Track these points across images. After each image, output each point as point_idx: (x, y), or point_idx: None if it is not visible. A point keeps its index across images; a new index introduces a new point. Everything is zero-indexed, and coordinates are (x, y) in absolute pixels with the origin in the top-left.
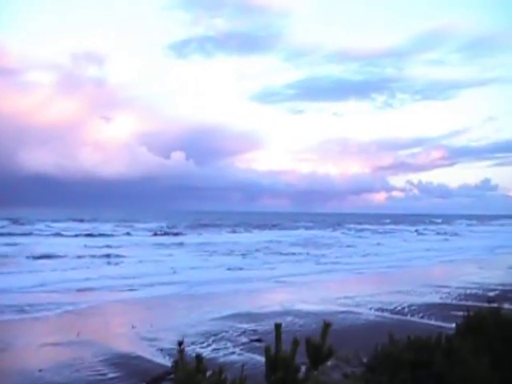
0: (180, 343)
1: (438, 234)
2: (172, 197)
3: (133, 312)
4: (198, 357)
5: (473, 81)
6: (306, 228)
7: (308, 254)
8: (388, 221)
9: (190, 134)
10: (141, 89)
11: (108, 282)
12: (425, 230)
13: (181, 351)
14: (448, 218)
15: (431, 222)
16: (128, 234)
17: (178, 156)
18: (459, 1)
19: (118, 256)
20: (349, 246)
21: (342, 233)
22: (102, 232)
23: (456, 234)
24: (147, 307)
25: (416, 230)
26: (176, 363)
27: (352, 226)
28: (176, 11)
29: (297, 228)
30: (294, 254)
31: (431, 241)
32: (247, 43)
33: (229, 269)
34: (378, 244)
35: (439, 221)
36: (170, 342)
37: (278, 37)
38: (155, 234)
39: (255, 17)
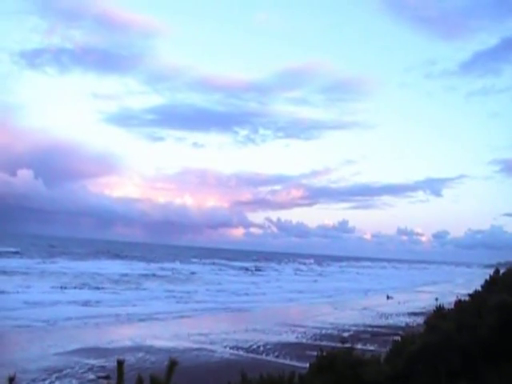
0: (11, 380)
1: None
2: (16, 219)
3: None
4: None
5: (334, 123)
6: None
7: (166, 290)
8: (255, 257)
9: (40, 151)
10: None
11: None
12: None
13: None
14: (316, 258)
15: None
16: None
17: (25, 174)
18: (325, 43)
19: None
20: (219, 284)
21: (211, 268)
22: None
23: (327, 275)
24: None
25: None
26: None
27: (217, 260)
28: (30, 16)
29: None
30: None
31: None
32: (106, 60)
33: (84, 304)
34: (253, 283)
35: (311, 261)
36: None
37: (139, 57)
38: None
39: (116, 33)
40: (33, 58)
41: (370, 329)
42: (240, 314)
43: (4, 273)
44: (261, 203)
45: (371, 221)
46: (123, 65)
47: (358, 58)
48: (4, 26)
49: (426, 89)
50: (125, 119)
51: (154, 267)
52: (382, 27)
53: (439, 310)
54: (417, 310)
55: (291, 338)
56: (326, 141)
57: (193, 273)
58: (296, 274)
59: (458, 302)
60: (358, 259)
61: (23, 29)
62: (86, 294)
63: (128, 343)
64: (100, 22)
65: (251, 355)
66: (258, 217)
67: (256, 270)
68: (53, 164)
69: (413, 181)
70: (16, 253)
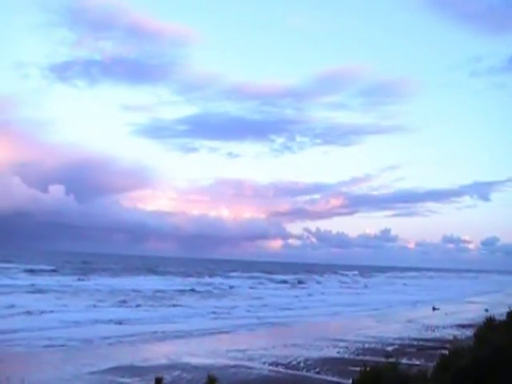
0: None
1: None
2: (48, 235)
3: None
4: None
5: (374, 127)
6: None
7: (205, 306)
8: (295, 270)
9: (71, 165)
10: (16, 112)
11: None
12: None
13: None
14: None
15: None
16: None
17: (56, 190)
18: (363, 44)
19: None
20: (260, 298)
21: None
22: None
23: (373, 287)
24: (7, 360)
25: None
26: None
27: (255, 274)
28: (58, 29)
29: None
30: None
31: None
32: (136, 71)
33: (119, 321)
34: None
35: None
36: None
37: (171, 67)
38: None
39: (146, 43)
40: (62, 72)
41: (415, 342)
42: (280, 328)
43: (41, 291)
44: (299, 213)
45: (415, 229)
46: (154, 75)
47: (398, 58)
48: (33, 39)
49: (471, 87)
50: (156, 130)
51: (191, 282)
52: (422, 25)
53: (490, 322)
54: (465, 322)
55: (333, 352)
56: (366, 146)
57: (232, 287)
58: (341, 286)
59: (511, 314)
60: (402, 269)
61: (52, 42)
62: (121, 312)
63: (163, 361)
64: (129, 31)
65: (291, 371)
66: (296, 227)
67: (298, 282)
68: (84, 179)
69: (458, 185)
70: (52, 270)
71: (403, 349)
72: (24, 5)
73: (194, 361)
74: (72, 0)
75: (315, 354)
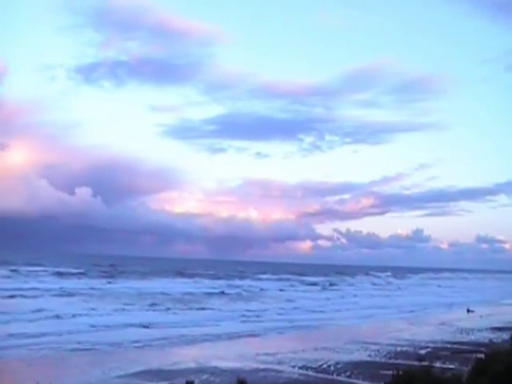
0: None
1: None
2: (75, 238)
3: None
4: None
5: (405, 125)
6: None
7: (234, 309)
8: (325, 271)
9: (98, 167)
10: (43, 114)
11: None
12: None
13: None
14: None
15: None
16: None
17: (83, 192)
18: (393, 40)
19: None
20: (291, 301)
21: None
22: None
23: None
24: (36, 364)
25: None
26: None
27: (285, 276)
28: (85, 30)
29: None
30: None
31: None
32: (163, 71)
33: (148, 325)
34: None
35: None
36: None
37: (198, 66)
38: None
39: (173, 43)
40: (89, 73)
41: (449, 345)
42: (310, 331)
43: (69, 294)
44: (329, 214)
45: (448, 229)
46: (181, 75)
47: (430, 54)
48: (60, 41)
49: (507, 82)
50: (184, 131)
51: (220, 284)
52: (454, 19)
53: None
54: (501, 325)
55: (364, 356)
56: (398, 144)
57: (262, 289)
58: (373, 288)
59: None
60: (435, 270)
61: (78, 43)
62: (150, 315)
63: (192, 365)
64: (156, 31)
65: (321, 375)
66: (325, 228)
67: (330, 284)
68: (111, 181)
69: (493, 183)
70: (80, 273)
71: (437, 352)
72: (51, 7)
73: (222, 364)
74: (98, 1)
75: (346, 357)
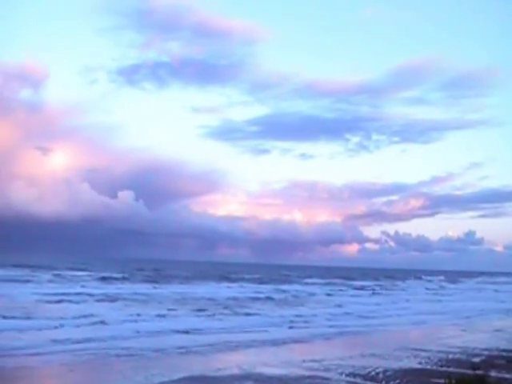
0: None
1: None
2: (117, 242)
3: (67, 376)
4: None
5: (456, 122)
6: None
7: (281, 314)
8: (374, 275)
9: (140, 170)
10: (84, 117)
11: None
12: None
13: None
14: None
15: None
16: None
17: (125, 196)
18: (442, 35)
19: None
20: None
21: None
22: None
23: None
24: (78, 369)
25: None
26: None
27: (333, 280)
28: (126, 31)
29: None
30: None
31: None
32: (205, 72)
33: (192, 331)
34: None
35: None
36: None
37: (240, 66)
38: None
39: (215, 42)
40: (130, 75)
41: (505, 354)
42: (358, 337)
43: (113, 299)
44: (376, 216)
45: (502, 230)
46: (223, 75)
47: (482, 47)
48: (101, 43)
49: None
50: (227, 132)
51: (266, 289)
52: (506, 10)
53: None
54: None
55: (414, 363)
56: (448, 143)
57: (311, 294)
58: (426, 293)
59: None
60: (490, 274)
61: (120, 45)
62: (194, 321)
63: (236, 371)
64: (197, 31)
65: (369, 383)
66: (373, 231)
67: (380, 289)
68: (153, 184)
69: None
70: (124, 278)
71: (491, 360)
72: (91, 8)
73: (267, 371)
74: (139, 1)
75: (395, 364)
